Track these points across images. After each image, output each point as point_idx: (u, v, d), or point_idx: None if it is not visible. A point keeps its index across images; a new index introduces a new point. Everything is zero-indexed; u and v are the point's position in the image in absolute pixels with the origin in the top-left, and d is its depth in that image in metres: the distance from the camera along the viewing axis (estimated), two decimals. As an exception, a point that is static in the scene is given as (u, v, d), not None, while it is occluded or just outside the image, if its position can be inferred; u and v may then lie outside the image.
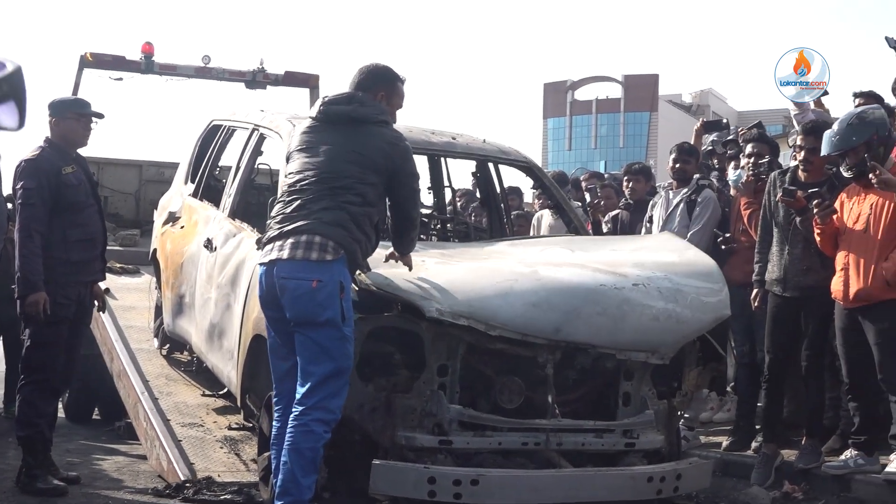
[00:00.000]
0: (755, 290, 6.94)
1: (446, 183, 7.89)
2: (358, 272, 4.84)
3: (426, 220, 7.68)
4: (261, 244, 4.88)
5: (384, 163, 4.77)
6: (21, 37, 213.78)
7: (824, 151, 6.39)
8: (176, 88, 13.47)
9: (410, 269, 4.97)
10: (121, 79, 11.87)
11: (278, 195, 5.00)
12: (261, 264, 4.74)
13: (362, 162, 4.74)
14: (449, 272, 5.08)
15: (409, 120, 6.22)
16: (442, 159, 7.64)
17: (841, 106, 8.29)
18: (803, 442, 6.70)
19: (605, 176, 11.14)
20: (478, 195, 9.24)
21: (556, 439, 4.95)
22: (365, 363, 4.86)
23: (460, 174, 12.30)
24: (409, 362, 4.96)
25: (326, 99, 5.00)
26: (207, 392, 7.08)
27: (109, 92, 12.50)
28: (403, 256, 5.06)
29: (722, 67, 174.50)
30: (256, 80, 12.07)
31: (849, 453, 6.34)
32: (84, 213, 6.28)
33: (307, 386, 4.54)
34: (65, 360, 6.30)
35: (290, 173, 4.88)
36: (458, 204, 10.22)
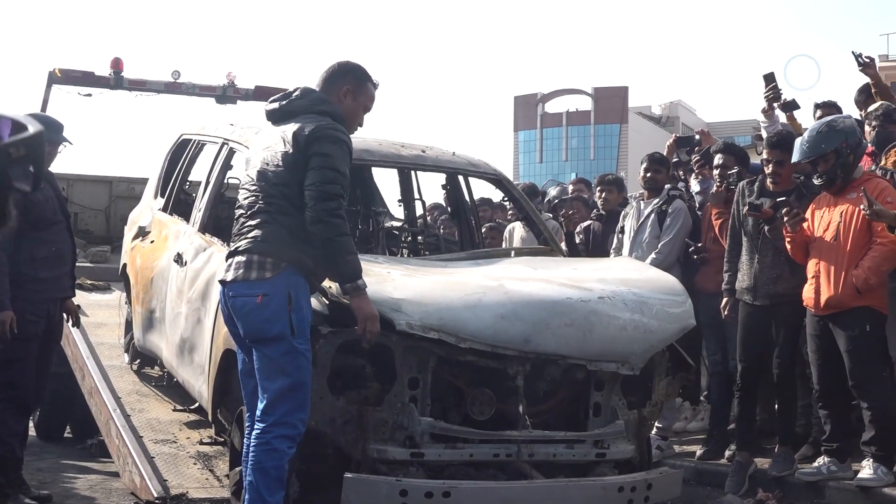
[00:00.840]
0: (725, 299, 6.99)
1: (416, 196, 7.91)
2: (328, 285, 4.84)
3: (396, 232, 7.71)
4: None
5: (293, 151, 4.61)
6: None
7: (795, 159, 6.49)
8: (146, 104, 13.49)
9: (365, 319, 4.54)
10: (90, 95, 11.83)
11: None
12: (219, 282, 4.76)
13: (287, 162, 4.61)
14: (416, 284, 5.08)
15: (381, 132, 6.23)
16: (412, 172, 7.65)
17: (802, 117, 8.35)
18: (776, 450, 6.77)
19: (571, 188, 11.17)
20: (448, 208, 9.24)
21: (527, 450, 4.96)
22: (336, 376, 4.86)
23: (432, 187, 12.43)
24: (380, 375, 4.96)
25: (270, 100, 4.93)
26: (179, 407, 7.06)
27: (78, 108, 12.50)
28: (346, 292, 4.59)
29: (691, 79, 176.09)
30: (227, 94, 12.05)
31: (821, 460, 6.40)
32: (52, 229, 6.25)
33: (265, 403, 4.50)
34: (35, 377, 6.27)
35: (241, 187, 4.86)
36: (429, 217, 10.26)
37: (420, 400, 4.88)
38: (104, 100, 12.11)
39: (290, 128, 4.68)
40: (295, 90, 4.87)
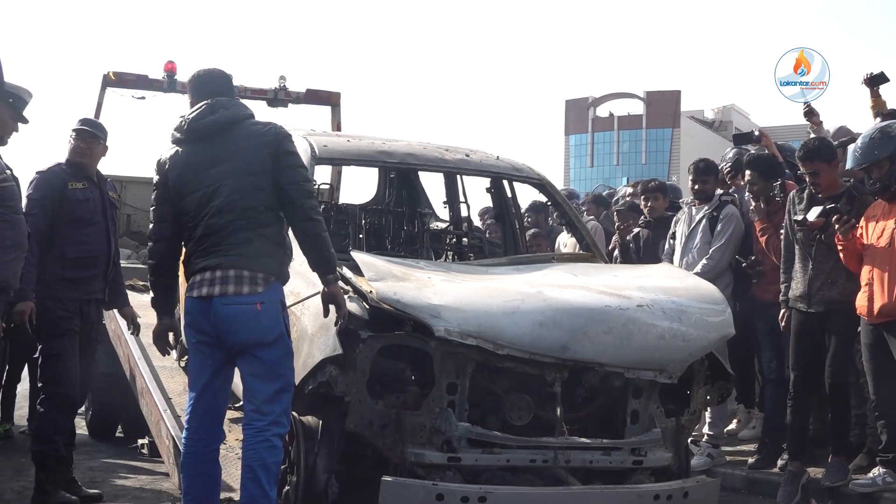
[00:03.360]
0: (783, 311, 6.92)
1: (462, 199, 7.93)
2: (368, 289, 4.94)
3: (441, 234, 7.78)
4: (186, 277, 4.88)
5: (265, 157, 4.73)
6: (45, 56, 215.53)
7: (848, 166, 6.44)
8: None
9: (340, 306, 4.72)
10: (143, 98, 11.88)
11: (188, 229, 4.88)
12: (190, 298, 4.79)
13: (251, 171, 4.71)
14: (456, 290, 5.14)
15: (433, 135, 6.27)
16: (457, 175, 7.70)
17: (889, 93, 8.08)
18: (829, 459, 6.65)
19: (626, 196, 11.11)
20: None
21: (564, 457, 4.99)
22: (375, 380, 4.94)
23: (480, 189, 12.44)
24: (420, 379, 5.04)
25: (190, 118, 4.86)
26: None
27: (132, 111, 12.62)
28: (327, 283, 4.73)
29: (744, 83, 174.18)
30: (278, 97, 12.09)
31: (876, 471, 6.32)
32: (87, 230, 6.31)
33: (257, 403, 4.66)
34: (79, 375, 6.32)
35: (186, 211, 4.80)
36: (480, 221, 10.31)
37: (458, 405, 4.94)
38: (157, 102, 12.20)
39: (248, 134, 4.78)
40: (211, 103, 4.87)
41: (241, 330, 4.66)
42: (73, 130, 6.46)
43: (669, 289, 5.48)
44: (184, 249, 4.94)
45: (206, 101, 4.89)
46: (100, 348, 8.86)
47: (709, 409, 7.34)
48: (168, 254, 4.99)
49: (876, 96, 8.10)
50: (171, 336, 5.19)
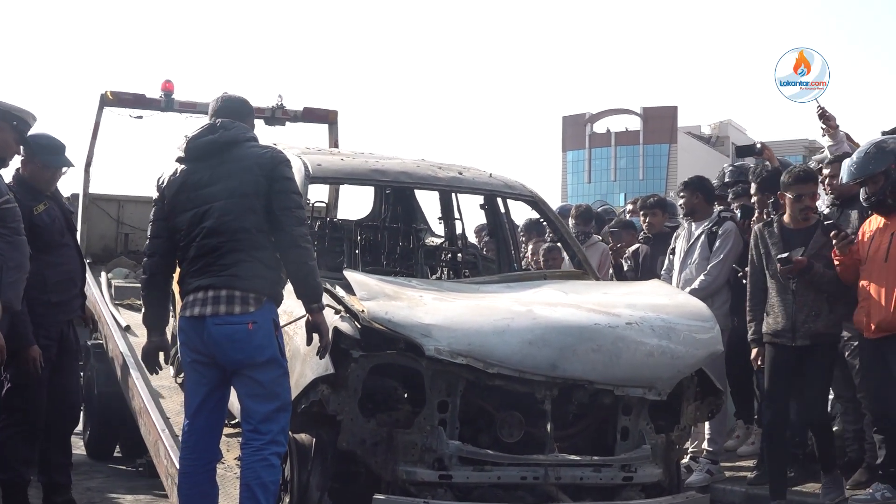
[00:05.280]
0: (754, 350, 6.81)
1: (457, 216, 7.95)
2: (360, 308, 4.99)
3: (435, 250, 7.83)
4: (181, 296, 4.91)
5: (259, 180, 4.74)
6: (42, 75, 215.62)
7: (843, 181, 6.44)
8: (196, 126, 13.53)
9: (322, 335, 4.73)
10: (141, 117, 11.83)
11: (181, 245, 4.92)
12: (184, 317, 4.84)
13: (244, 193, 4.73)
14: (447, 309, 5.19)
15: (428, 153, 6.29)
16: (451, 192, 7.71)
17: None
18: (822, 478, 6.64)
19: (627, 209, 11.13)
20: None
21: (554, 473, 5.03)
22: (367, 399, 5.00)
23: (475, 206, 12.49)
24: (412, 397, 5.09)
25: (190, 136, 4.93)
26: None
27: (130, 130, 12.58)
28: (311, 311, 4.74)
29: (741, 98, 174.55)
30: (275, 116, 12.05)
31: (875, 486, 6.29)
32: (60, 251, 6.28)
33: (254, 423, 4.69)
34: (60, 398, 6.29)
35: (178, 229, 4.86)
36: (476, 238, 10.37)
37: (449, 423, 4.99)
38: (155, 122, 12.19)
39: (245, 156, 4.80)
40: (213, 123, 4.94)
41: (233, 350, 4.69)
42: (42, 161, 6.26)
43: (658, 306, 5.53)
44: (178, 269, 4.99)
45: (209, 122, 4.97)
46: (98, 368, 8.95)
47: (707, 425, 7.42)
48: (161, 269, 5.04)
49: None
50: (160, 355, 5.19)
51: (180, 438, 5.05)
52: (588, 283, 6.53)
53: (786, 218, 6.72)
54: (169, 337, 8.28)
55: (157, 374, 5.40)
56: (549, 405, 5.06)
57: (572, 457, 5.14)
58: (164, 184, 4.95)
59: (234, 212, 4.74)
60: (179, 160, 4.96)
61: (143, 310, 5.24)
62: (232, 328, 4.67)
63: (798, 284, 6.50)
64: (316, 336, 4.74)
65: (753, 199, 7.74)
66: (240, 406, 4.82)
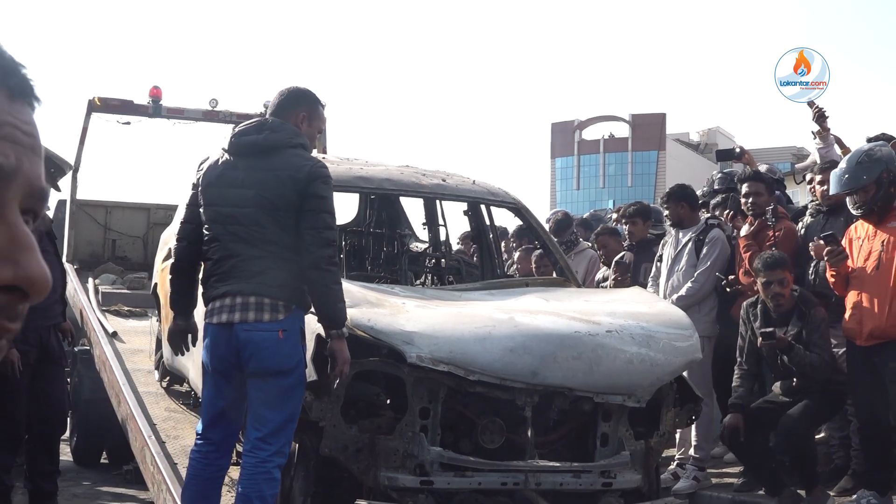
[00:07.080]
0: (729, 416, 6.75)
1: (441, 222, 8.02)
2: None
3: (420, 256, 7.88)
4: (204, 299, 4.79)
5: (291, 195, 4.58)
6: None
7: (833, 190, 6.43)
8: (184, 132, 13.54)
9: (337, 364, 4.59)
10: (129, 123, 11.84)
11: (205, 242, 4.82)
12: (210, 324, 4.71)
13: (276, 207, 4.59)
14: (429, 316, 5.24)
15: (417, 159, 6.32)
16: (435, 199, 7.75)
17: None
18: (804, 495, 6.56)
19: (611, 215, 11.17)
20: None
21: (534, 479, 5.08)
22: (350, 405, 5.05)
23: (459, 212, 12.57)
24: (394, 403, 5.15)
25: (237, 130, 4.79)
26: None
27: (118, 136, 12.62)
28: (330, 337, 4.62)
29: (729, 105, 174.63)
30: (263, 122, 12.10)
31: (861, 493, 6.29)
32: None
33: (264, 432, 4.56)
34: (45, 405, 6.33)
35: (207, 225, 4.76)
36: (461, 244, 10.43)
37: (431, 429, 5.04)
38: (143, 128, 12.21)
39: (283, 166, 4.62)
40: (263, 121, 4.84)
41: (265, 357, 4.55)
42: None
43: (638, 314, 5.60)
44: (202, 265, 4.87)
45: (260, 118, 4.90)
46: (84, 374, 8.99)
47: (694, 432, 7.47)
48: (187, 255, 4.91)
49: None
50: (188, 337, 5.05)
51: (193, 444, 4.93)
52: (570, 290, 6.58)
53: (769, 302, 6.71)
54: (153, 342, 8.47)
55: (183, 355, 5.28)
56: (529, 412, 5.11)
57: (552, 463, 5.20)
58: (203, 171, 4.81)
59: (263, 224, 4.60)
60: (223, 150, 4.80)
61: (169, 291, 5.11)
62: (261, 335, 4.54)
63: (783, 367, 6.58)
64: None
65: (743, 200, 7.73)
66: (250, 412, 4.69)
